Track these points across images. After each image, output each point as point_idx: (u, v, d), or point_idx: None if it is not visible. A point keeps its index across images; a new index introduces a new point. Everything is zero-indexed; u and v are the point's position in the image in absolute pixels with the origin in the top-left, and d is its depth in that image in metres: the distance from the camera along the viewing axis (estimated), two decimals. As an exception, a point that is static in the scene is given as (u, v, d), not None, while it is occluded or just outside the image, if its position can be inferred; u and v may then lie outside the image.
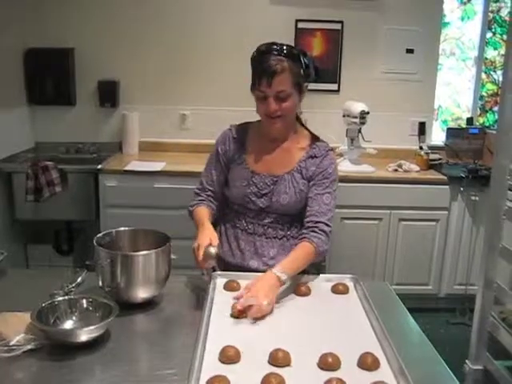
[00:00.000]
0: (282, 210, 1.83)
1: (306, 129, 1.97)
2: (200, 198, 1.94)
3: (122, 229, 1.71)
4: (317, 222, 1.76)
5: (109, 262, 1.48)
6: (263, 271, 1.69)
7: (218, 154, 1.93)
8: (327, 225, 1.77)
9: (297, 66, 1.75)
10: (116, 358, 1.29)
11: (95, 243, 1.56)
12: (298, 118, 1.95)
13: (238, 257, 1.89)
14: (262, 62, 1.74)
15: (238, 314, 1.48)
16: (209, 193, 1.94)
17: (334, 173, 1.86)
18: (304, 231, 1.78)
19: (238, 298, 1.52)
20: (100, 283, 1.54)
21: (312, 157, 1.85)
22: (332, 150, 1.92)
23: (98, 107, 3.88)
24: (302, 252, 1.72)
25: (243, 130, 1.93)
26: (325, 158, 1.85)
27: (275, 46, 1.76)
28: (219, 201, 1.95)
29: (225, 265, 1.89)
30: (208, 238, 1.64)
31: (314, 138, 1.92)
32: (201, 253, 1.60)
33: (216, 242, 1.65)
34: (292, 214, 1.85)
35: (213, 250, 1.61)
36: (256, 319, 1.46)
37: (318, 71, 1.90)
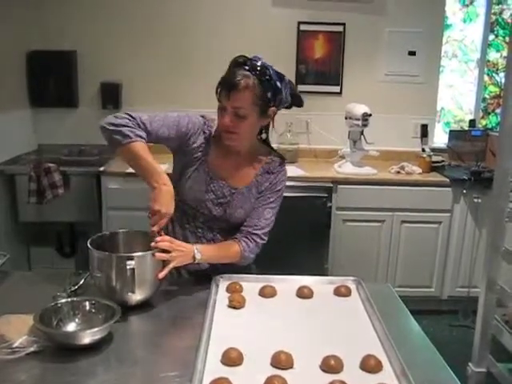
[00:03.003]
0: (235, 221, 1.80)
1: (267, 145, 1.90)
2: (140, 133, 1.64)
3: (118, 230, 1.71)
4: (252, 234, 1.78)
5: (131, 269, 1.46)
6: (213, 272, 1.75)
7: (185, 134, 1.74)
8: (261, 238, 1.80)
9: (264, 87, 1.66)
10: (119, 360, 1.29)
11: (89, 245, 1.54)
12: (262, 138, 1.87)
13: None
14: (230, 73, 1.66)
15: (235, 304, 1.55)
16: (145, 137, 1.65)
17: (281, 190, 1.85)
18: (237, 235, 1.79)
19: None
20: (95, 285, 1.55)
21: (268, 172, 1.82)
22: (285, 163, 1.88)
23: (101, 109, 3.88)
24: (226, 247, 1.76)
25: (211, 129, 1.80)
26: (278, 175, 1.84)
27: (250, 62, 1.67)
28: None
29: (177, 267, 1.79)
30: (172, 208, 1.58)
31: (271, 152, 1.87)
32: (163, 223, 1.57)
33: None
34: (242, 223, 1.83)
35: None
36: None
37: (301, 99, 1.83)
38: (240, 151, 1.81)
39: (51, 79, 3.78)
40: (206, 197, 1.77)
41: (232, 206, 1.78)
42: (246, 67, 1.66)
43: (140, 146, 1.61)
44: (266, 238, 1.81)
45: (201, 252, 1.65)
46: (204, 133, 1.79)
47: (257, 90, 1.65)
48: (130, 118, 1.64)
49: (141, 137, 1.63)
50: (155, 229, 1.57)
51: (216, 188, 1.78)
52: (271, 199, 1.82)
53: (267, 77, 1.67)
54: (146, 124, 1.66)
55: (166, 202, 1.57)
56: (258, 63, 1.68)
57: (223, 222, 1.80)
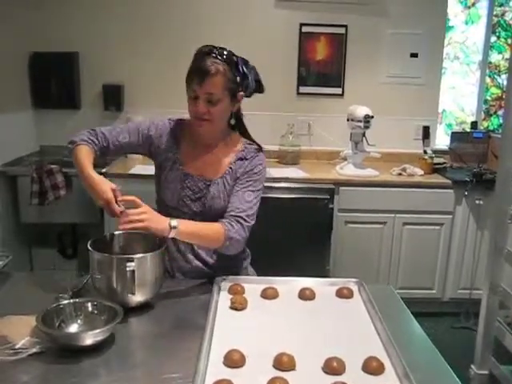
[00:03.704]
0: (217, 214, 1.78)
1: (243, 134, 1.91)
2: (92, 139, 1.75)
3: (118, 232, 1.70)
4: (235, 216, 1.72)
5: (131, 270, 1.46)
6: (208, 273, 1.77)
7: (148, 137, 1.81)
8: (246, 220, 1.73)
9: (233, 73, 1.72)
10: (121, 362, 1.29)
11: (89, 247, 1.54)
12: (236, 125, 1.89)
13: (179, 260, 1.84)
14: (199, 62, 1.71)
15: (237, 306, 1.55)
16: (104, 144, 1.76)
17: (260, 173, 1.82)
18: (220, 219, 1.74)
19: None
20: (95, 287, 1.55)
21: (241, 159, 1.82)
22: (262, 151, 1.87)
23: (103, 111, 3.89)
24: (208, 225, 1.70)
25: (179, 127, 1.86)
26: (253, 160, 1.82)
27: (216, 50, 1.74)
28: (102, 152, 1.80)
29: (172, 269, 1.84)
30: (109, 189, 1.57)
31: (246, 142, 1.87)
32: (115, 208, 1.55)
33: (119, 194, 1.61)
34: None
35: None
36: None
37: (262, 85, 1.86)
38: (212, 143, 1.83)
39: (53, 81, 3.79)
40: (183, 193, 1.79)
41: (208, 197, 1.78)
42: (214, 55, 1.71)
43: (82, 149, 1.70)
44: (251, 221, 1.74)
45: (177, 221, 1.59)
46: (171, 133, 1.84)
47: (227, 74, 1.71)
48: (89, 130, 1.78)
49: (87, 142, 1.73)
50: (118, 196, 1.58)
51: (191, 184, 1.80)
52: (249, 182, 1.80)
53: (234, 62, 1.73)
54: (105, 133, 1.77)
55: (94, 187, 1.58)
56: (225, 52, 1.74)
57: (207, 218, 1.77)
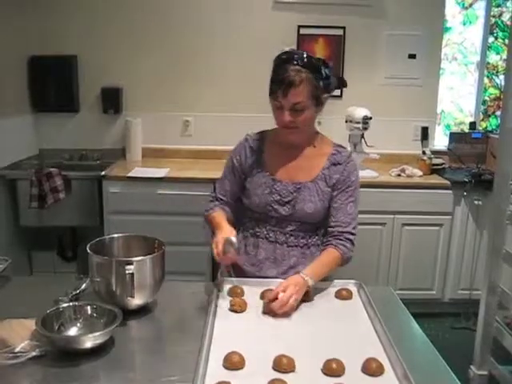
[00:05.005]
0: (306, 217, 1.81)
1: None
2: (213, 203, 1.92)
3: (118, 235, 1.71)
4: (342, 232, 1.78)
5: (130, 273, 1.46)
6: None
7: (233, 166, 1.89)
8: (352, 233, 1.80)
9: (316, 78, 1.71)
10: (120, 365, 1.29)
11: (88, 250, 1.54)
12: None
13: (255, 266, 1.86)
14: (281, 72, 1.69)
15: (236, 308, 1.54)
16: (221, 202, 1.91)
17: (356, 180, 1.85)
18: (329, 238, 1.79)
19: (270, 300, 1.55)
20: (95, 290, 1.55)
21: (335, 164, 1.83)
22: (352, 154, 1.92)
23: (102, 114, 3.89)
24: (328, 258, 1.75)
25: (260, 138, 1.90)
26: (348, 165, 1.83)
27: (296, 55, 1.71)
28: (232, 210, 1.92)
29: (240, 272, 1.87)
30: (228, 232, 1.65)
31: (335, 144, 1.90)
32: (220, 245, 1.60)
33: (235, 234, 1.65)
34: (314, 222, 1.84)
35: (234, 239, 1.61)
36: (276, 315, 1.52)
37: (343, 80, 1.92)
38: (299, 145, 1.84)
39: (52, 84, 3.78)
40: (271, 198, 1.81)
41: (299, 201, 1.79)
42: (295, 62, 1.69)
43: (213, 216, 1.84)
44: (355, 233, 1.81)
45: (310, 276, 1.63)
46: (252, 148, 1.88)
47: (311, 81, 1.70)
48: (210, 198, 1.95)
49: (215, 206, 1.89)
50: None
51: (280, 188, 1.81)
52: (349, 192, 1.82)
53: (316, 67, 1.71)
54: (221, 194, 1.92)
55: (220, 234, 1.66)
56: (304, 55, 1.72)
57: (295, 220, 1.81)
